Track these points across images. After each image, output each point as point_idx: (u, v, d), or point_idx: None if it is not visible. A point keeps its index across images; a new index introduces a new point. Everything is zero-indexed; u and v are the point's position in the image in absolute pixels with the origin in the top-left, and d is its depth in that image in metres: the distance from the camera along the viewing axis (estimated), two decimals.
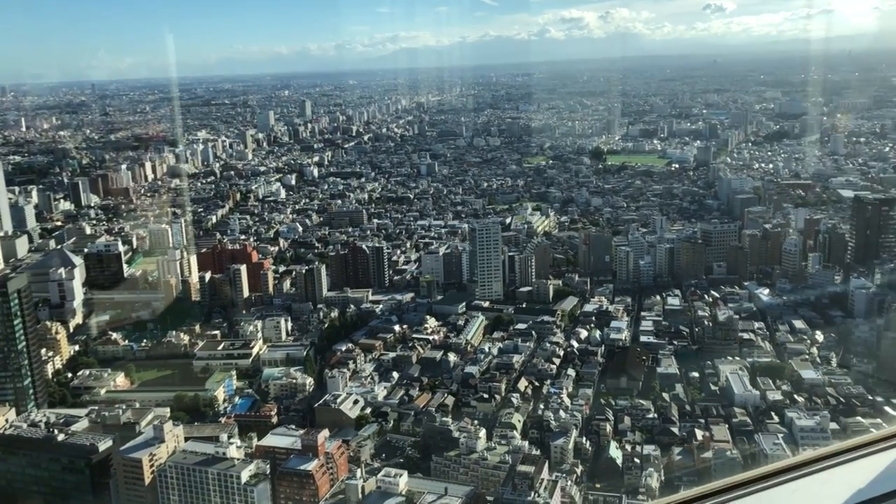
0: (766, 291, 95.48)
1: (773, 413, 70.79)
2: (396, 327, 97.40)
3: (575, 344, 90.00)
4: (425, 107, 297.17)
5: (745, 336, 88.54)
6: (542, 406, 73.71)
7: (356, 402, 76.94)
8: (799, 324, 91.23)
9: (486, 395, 76.82)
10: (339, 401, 75.97)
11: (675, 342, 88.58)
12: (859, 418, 66.98)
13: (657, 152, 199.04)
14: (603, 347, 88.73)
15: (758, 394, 74.66)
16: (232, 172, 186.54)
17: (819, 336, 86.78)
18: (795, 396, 73.97)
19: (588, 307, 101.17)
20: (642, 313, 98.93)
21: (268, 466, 58.26)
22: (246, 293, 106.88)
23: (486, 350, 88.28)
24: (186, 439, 63.48)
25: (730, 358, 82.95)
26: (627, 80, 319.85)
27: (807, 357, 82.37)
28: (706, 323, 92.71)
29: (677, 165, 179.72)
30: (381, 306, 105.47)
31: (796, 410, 69.92)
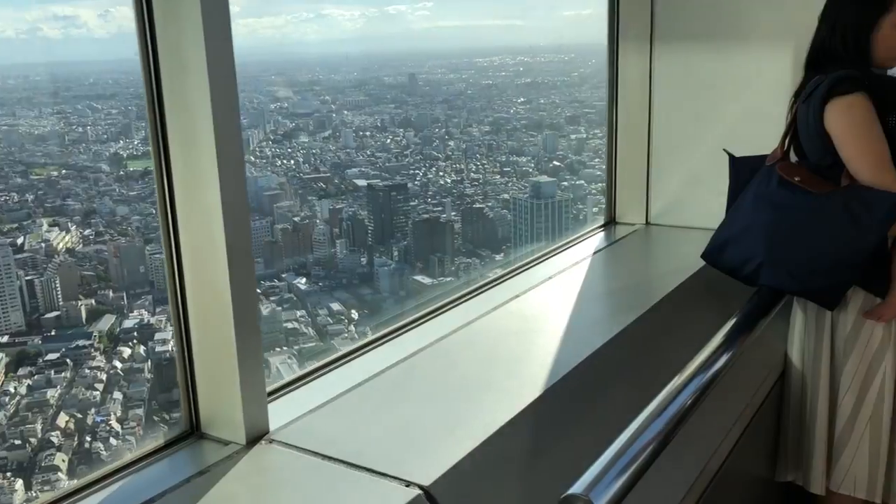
0: (304, 280, 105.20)
1: None
2: None
3: (119, 364, 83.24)
4: None
5: (290, 326, 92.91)
6: (88, 438, 67.75)
7: None
8: (336, 306, 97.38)
9: (17, 442, 67.82)
10: None
11: None
12: None
13: None
14: (150, 363, 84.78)
15: None
16: None
17: (354, 314, 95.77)
18: None
19: (128, 323, 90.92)
20: None
21: None
22: None
23: (12, 391, 77.60)
24: None
25: (278, 349, 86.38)
26: None
27: (346, 335, 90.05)
28: None
29: None
30: None
31: None
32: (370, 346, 1.97)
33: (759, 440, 2.39)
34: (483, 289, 2.43)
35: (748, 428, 2.22)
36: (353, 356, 1.90)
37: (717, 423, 2.07)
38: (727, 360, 1.74)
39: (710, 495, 1.92)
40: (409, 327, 2.09)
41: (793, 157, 2.21)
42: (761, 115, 2.44)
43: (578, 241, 2.98)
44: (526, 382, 1.72)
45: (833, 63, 2.07)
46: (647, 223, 3.16)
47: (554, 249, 2.85)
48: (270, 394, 1.61)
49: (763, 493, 2.52)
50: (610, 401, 1.73)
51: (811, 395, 2.28)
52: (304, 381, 1.75)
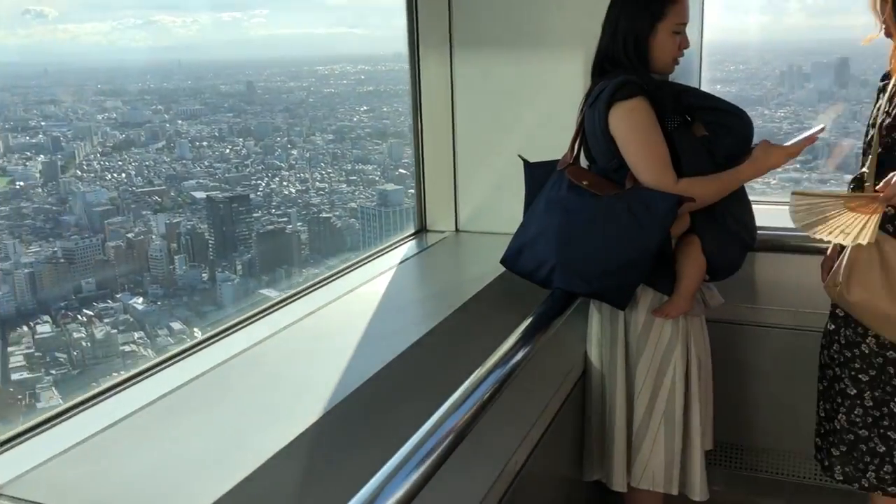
0: (141, 300, 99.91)
1: None
2: None
3: None
4: None
5: (127, 348, 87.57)
6: None
7: None
8: (177, 325, 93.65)
9: None
10: None
11: (54, 371, 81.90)
12: None
13: None
14: None
15: None
16: None
17: (197, 333, 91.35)
18: None
19: None
20: (9, 349, 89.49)
21: None
22: None
23: None
24: None
25: (115, 374, 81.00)
26: None
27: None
28: (84, 344, 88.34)
29: (23, 183, 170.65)
30: None
31: None
32: (143, 375, 1.88)
33: (564, 440, 2.47)
34: (278, 306, 2.39)
35: (551, 427, 2.28)
36: (121, 388, 1.81)
37: (517, 422, 2.10)
38: (523, 356, 1.78)
39: (513, 495, 1.95)
40: (188, 353, 2.03)
41: (584, 161, 2.32)
42: (557, 120, 2.52)
43: (387, 250, 2.98)
44: (308, 405, 1.66)
45: (617, 69, 2.19)
46: (457, 230, 3.22)
47: (361, 260, 2.83)
48: (6, 442, 1.47)
49: (571, 492, 2.60)
50: (404, 412, 1.71)
51: (609, 394, 2.40)
52: (49, 425, 1.60)
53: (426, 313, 2.29)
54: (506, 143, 2.93)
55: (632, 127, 2.12)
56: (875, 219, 1.95)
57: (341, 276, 2.67)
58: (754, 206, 2.32)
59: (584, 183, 2.19)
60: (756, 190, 3.01)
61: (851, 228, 1.96)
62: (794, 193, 2.01)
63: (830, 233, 1.95)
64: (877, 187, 2.00)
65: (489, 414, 1.57)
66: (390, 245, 3.03)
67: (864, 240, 1.93)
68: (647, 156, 2.12)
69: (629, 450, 2.38)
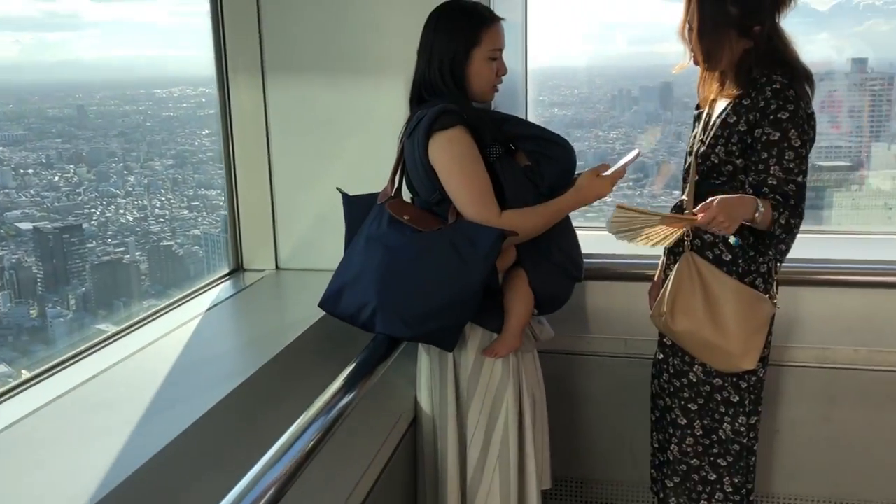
0: None
1: None
2: None
3: None
4: None
5: None
6: None
7: None
8: (1, 367, 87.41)
9: None
10: None
11: None
12: None
13: None
14: None
15: None
16: None
17: (25, 373, 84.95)
18: None
19: None
20: None
21: None
22: None
23: None
24: None
25: None
26: None
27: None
28: None
29: None
30: None
31: None
32: None
33: (395, 491, 2.36)
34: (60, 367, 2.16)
35: (381, 478, 2.17)
36: None
37: (344, 475, 1.99)
38: (346, 404, 1.68)
39: None
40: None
41: (407, 195, 2.21)
42: (380, 150, 2.45)
43: (197, 294, 2.76)
44: (79, 491, 1.41)
45: (435, 96, 2.11)
46: (277, 268, 3.03)
47: (168, 306, 2.59)
48: None
49: None
50: (212, 481, 1.52)
51: (441, 440, 2.29)
52: None
53: (236, 367, 2.08)
54: (327, 174, 2.77)
55: (452, 158, 2.02)
56: (680, 231, 2.01)
57: (139, 327, 2.37)
58: (582, 234, 2.28)
59: (406, 217, 2.07)
60: (594, 207, 2.99)
61: (656, 236, 1.99)
62: (618, 206, 1.99)
63: (638, 240, 1.99)
64: (694, 209, 2.02)
65: (312, 467, 1.46)
66: (201, 288, 2.75)
67: (663, 244, 2.02)
68: (468, 188, 2.02)
69: (463, 498, 2.25)
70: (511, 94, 3.27)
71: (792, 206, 2.01)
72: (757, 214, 1.99)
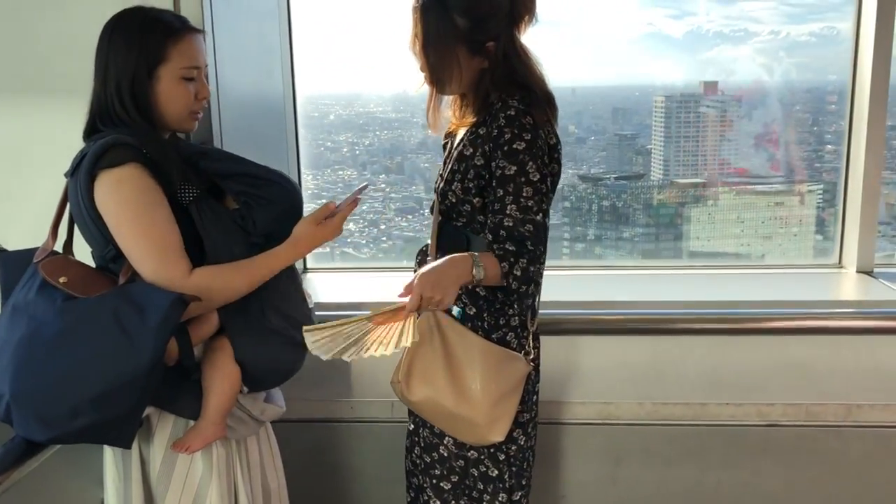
0: None
1: None
2: None
3: None
4: None
5: None
6: None
7: None
8: None
9: None
10: None
11: None
12: None
13: None
14: None
15: None
16: None
17: None
18: None
19: None
20: None
21: None
22: None
23: None
24: None
25: None
26: None
27: None
28: None
29: None
30: None
31: None
32: None
33: None
34: None
35: None
36: None
37: None
38: None
39: None
40: None
41: (85, 250, 1.76)
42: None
43: None
44: None
45: (112, 126, 1.69)
46: None
47: None
48: None
49: None
50: None
51: None
52: None
53: None
54: (8, 219, 2.23)
55: (122, 202, 1.61)
56: (411, 320, 1.61)
57: None
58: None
59: (61, 280, 1.61)
60: None
61: (389, 338, 1.60)
62: (305, 331, 1.61)
63: (368, 349, 1.58)
64: (398, 295, 1.66)
65: None
66: None
67: (407, 342, 1.60)
68: (144, 240, 1.61)
69: None
70: (278, 121, 2.89)
71: (529, 250, 1.73)
72: (475, 271, 1.69)
